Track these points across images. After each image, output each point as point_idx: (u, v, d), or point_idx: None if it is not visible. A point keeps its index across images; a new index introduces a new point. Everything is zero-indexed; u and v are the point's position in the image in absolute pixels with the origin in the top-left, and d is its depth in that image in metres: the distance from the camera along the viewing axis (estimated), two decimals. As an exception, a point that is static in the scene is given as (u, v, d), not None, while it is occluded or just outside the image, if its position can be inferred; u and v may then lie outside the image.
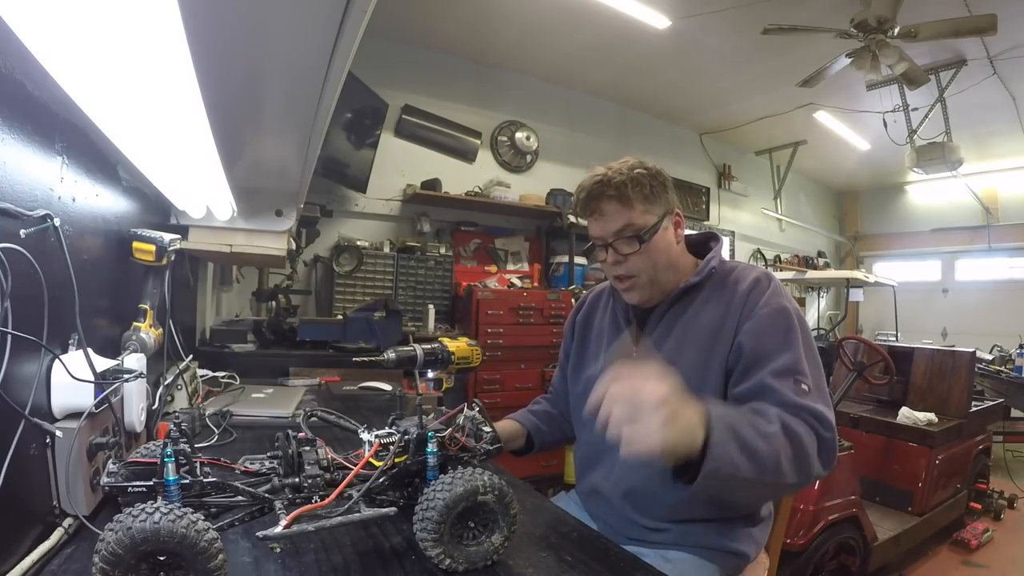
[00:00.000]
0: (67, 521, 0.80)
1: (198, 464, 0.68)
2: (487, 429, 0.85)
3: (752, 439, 0.83)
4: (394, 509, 0.74)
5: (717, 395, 1.02)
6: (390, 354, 0.95)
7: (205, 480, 0.67)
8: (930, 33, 3.14)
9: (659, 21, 3.54)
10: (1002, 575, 2.79)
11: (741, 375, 1.00)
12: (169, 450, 0.63)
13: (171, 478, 0.63)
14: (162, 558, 0.57)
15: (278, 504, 0.68)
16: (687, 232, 1.17)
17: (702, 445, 0.79)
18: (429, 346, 1.00)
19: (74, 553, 0.77)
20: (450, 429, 0.82)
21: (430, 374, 1.01)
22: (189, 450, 0.67)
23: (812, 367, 0.99)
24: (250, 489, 0.69)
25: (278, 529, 0.63)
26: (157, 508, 0.56)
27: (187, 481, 0.65)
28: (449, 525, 0.72)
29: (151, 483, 0.64)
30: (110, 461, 0.70)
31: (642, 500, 1.09)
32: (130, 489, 0.65)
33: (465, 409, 0.86)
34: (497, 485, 0.74)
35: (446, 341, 1.03)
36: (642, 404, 0.75)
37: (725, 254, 1.18)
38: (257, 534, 0.64)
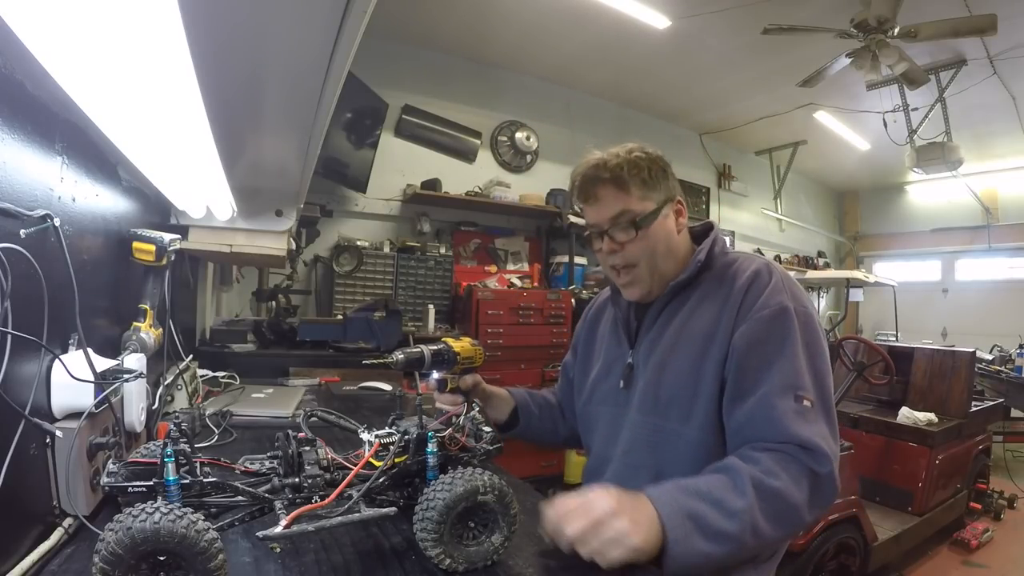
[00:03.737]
0: (67, 521, 0.80)
1: (198, 464, 0.68)
2: (487, 429, 0.85)
3: (716, 522, 0.78)
4: (394, 509, 0.74)
5: (710, 405, 0.95)
6: (398, 355, 0.95)
7: (205, 480, 0.67)
8: (930, 33, 3.14)
9: (659, 21, 3.54)
10: (1002, 575, 2.79)
11: (735, 392, 0.93)
12: (169, 450, 0.63)
13: (171, 478, 0.63)
14: (162, 558, 0.57)
15: (278, 504, 0.68)
16: (689, 225, 1.11)
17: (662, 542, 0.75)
18: (435, 347, 1.00)
19: (74, 553, 0.77)
20: (450, 429, 0.82)
21: (435, 375, 1.01)
22: (189, 450, 0.67)
23: (816, 376, 0.91)
24: (250, 489, 0.69)
25: (278, 529, 0.63)
26: (157, 508, 0.56)
27: (187, 481, 0.65)
28: (449, 525, 0.72)
29: (151, 483, 0.64)
30: (110, 461, 0.70)
31: None
32: (130, 489, 0.65)
33: (465, 408, 0.86)
34: (497, 485, 0.74)
35: (450, 341, 1.03)
36: (597, 518, 0.73)
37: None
38: (257, 534, 0.64)
